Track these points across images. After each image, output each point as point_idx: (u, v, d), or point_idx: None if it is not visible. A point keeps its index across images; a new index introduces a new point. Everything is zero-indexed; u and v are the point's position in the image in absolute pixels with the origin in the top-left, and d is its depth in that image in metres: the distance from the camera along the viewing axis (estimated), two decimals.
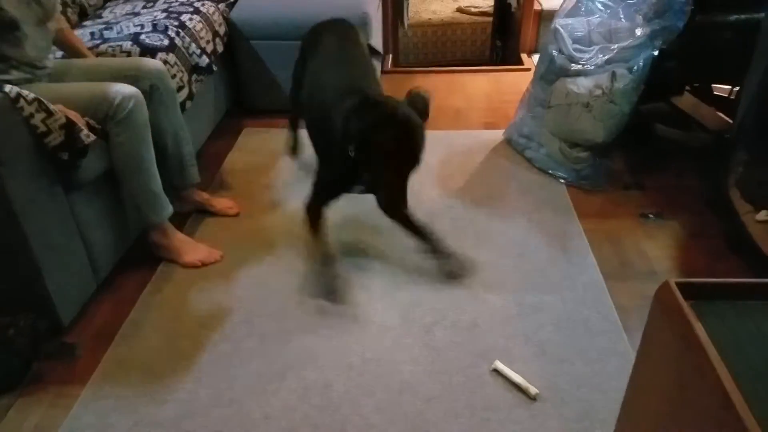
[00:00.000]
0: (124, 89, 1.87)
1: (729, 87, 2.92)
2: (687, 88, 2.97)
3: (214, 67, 2.65)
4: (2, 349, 1.66)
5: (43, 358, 1.75)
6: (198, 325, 1.90)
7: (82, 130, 1.71)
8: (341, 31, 2.35)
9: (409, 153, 1.76)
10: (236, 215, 2.42)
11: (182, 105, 2.30)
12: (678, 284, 0.78)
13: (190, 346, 1.82)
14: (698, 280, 0.79)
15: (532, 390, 1.63)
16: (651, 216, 2.38)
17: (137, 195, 1.98)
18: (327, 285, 1.87)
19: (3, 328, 1.67)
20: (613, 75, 2.41)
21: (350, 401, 1.63)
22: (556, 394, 1.63)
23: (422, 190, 2.54)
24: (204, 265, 2.13)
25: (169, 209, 2.07)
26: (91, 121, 1.82)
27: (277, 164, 2.78)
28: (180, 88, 2.32)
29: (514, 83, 3.63)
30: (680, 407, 0.75)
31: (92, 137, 1.75)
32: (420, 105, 1.83)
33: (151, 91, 2.03)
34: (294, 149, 2.74)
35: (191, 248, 2.15)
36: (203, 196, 2.40)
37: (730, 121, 2.67)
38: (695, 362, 0.70)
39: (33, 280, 1.72)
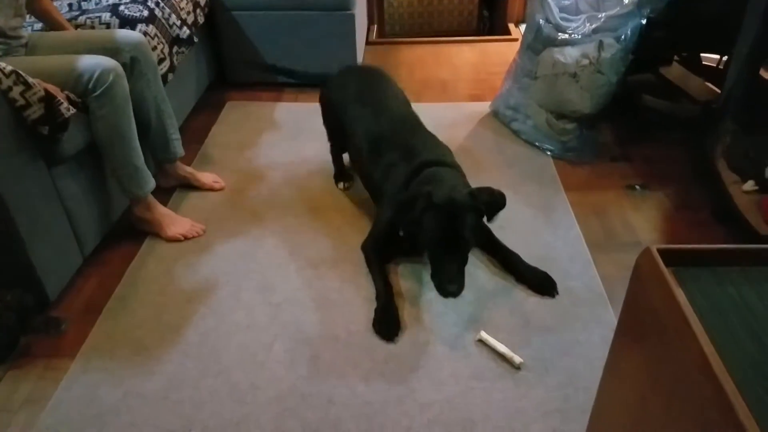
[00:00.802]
0: (103, 62, 1.83)
1: (717, 57, 2.91)
2: (675, 58, 2.96)
3: (195, 39, 2.61)
4: None
5: (31, 333, 1.74)
6: (184, 298, 1.89)
7: (61, 103, 1.68)
8: (375, 79, 2.34)
9: (455, 238, 1.73)
10: (221, 189, 2.40)
11: (164, 78, 2.27)
12: (659, 250, 0.78)
13: (177, 319, 1.82)
14: (679, 246, 0.79)
15: (517, 359, 1.64)
16: (637, 187, 2.39)
17: (119, 169, 1.95)
18: (384, 321, 1.78)
19: None
20: (601, 44, 2.39)
21: (337, 372, 1.64)
22: (540, 363, 1.65)
23: None
24: (186, 238, 2.11)
25: (152, 183, 2.05)
26: (71, 95, 1.79)
27: (262, 138, 2.75)
28: (161, 61, 2.28)
29: (500, 54, 3.61)
30: (660, 372, 0.75)
31: (72, 110, 1.72)
32: (484, 197, 1.79)
33: (132, 64, 2.00)
34: (342, 175, 2.46)
35: (174, 222, 2.13)
36: (187, 170, 2.37)
37: (718, 91, 2.67)
38: (675, 328, 0.70)
39: (18, 256, 1.70)
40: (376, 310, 1.81)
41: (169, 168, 2.31)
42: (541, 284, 1.90)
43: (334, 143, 2.41)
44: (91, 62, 1.82)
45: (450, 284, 1.71)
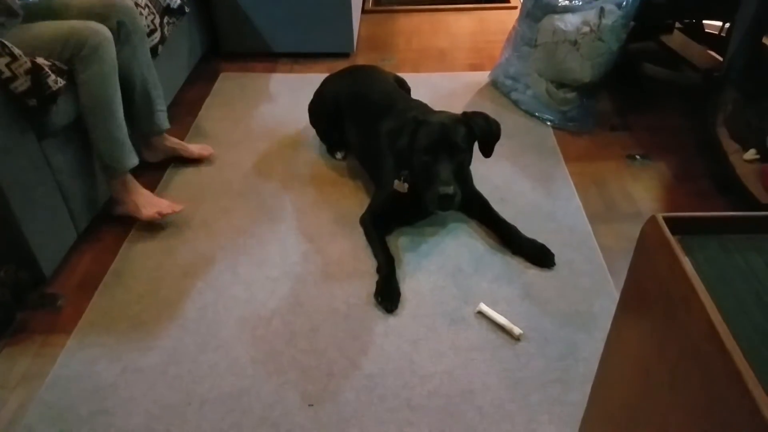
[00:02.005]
0: (90, 25, 1.79)
1: (719, 24, 2.87)
2: (677, 25, 2.91)
3: (187, 9, 2.55)
4: None
5: (27, 309, 1.73)
6: (181, 273, 1.88)
7: (49, 75, 1.65)
8: (367, 74, 2.36)
9: (447, 146, 1.77)
10: (210, 155, 2.37)
11: (154, 49, 2.22)
12: (665, 219, 0.76)
13: (174, 294, 1.80)
14: (685, 214, 0.77)
15: (516, 330, 1.63)
16: (638, 157, 2.36)
17: (100, 140, 1.89)
18: (386, 291, 1.76)
19: None
20: (602, 11, 2.35)
21: (336, 345, 1.63)
22: (540, 334, 1.65)
23: None
24: (162, 216, 1.99)
25: (133, 160, 1.97)
26: (58, 63, 1.75)
27: (257, 110, 2.71)
28: (152, 32, 2.23)
29: (499, 22, 3.55)
30: (666, 341, 0.74)
31: (61, 83, 1.69)
32: (477, 120, 1.84)
33: (119, 29, 1.96)
34: (337, 145, 2.41)
35: (150, 202, 2.02)
36: (175, 141, 2.32)
37: (720, 59, 2.63)
38: (681, 295, 0.69)
39: (12, 232, 1.68)
40: (378, 282, 1.79)
41: (156, 141, 2.26)
42: (538, 256, 1.88)
43: (327, 140, 2.43)
44: (78, 26, 1.78)
45: (445, 185, 1.74)
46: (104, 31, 1.81)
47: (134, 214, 2.01)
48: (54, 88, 1.66)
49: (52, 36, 1.76)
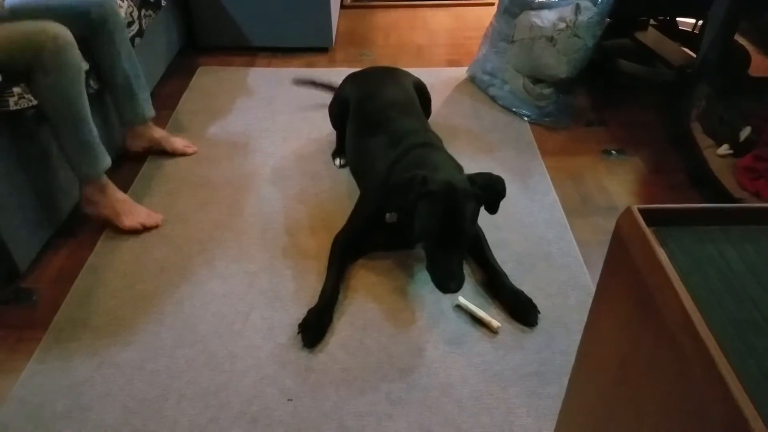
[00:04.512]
0: (48, 29, 1.68)
1: (693, 21, 2.91)
2: (651, 22, 2.96)
3: (163, 2, 2.52)
4: None
5: (1, 304, 1.71)
6: (158, 268, 1.86)
7: (12, 93, 1.62)
8: (382, 77, 2.23)
9: (454, 230, 1.60)
10: (194, 153, 2.35)
11: (131, 42, 2.19)
12: (640, 210, 0.78)
13: (151, 288, 1.79)
14: (660, 206, 0.79)
15: (495, 324, 1.65)
16: (613, 152, 2.39)
17: (68, 145, 1.81)
18: (311, 324, 1.65)
19: None
20: (578, 7, 2.37)
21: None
22: (518, 327, 1.66)
23: None
24: (145, 228, 1.97)
25: (106, 161, 1.90)
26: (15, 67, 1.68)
27: (235, 104, 2.69)
28: (129, 24, 2.20)
29: (476, 18, 3.57)
30: (641, 331, 0.75)
31: (23, 104, 1.65)
32: (483, 183, 1.66)
33: (101, 22, 1.93)
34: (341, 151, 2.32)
35: (132, 210, 1.97)
36: (161, 133, 2.30)
37: (694, 55, 2.67)
38: (656, 285, 0.70)
39: None
40: (310, 311, 1.67)
41: (140, 130, 2.23)
42: (520, 310, 1.70)
43: (337, 142, 2.34)
44: (35, 29, 1.68)
45: (451, 281, 1.59)
46: (63, 33, 1.70)
47: (113, 221, 1.95)
48: (11, 109, 1.63)
49: (7, 41, 1.67)
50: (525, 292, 1.73)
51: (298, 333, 1.64)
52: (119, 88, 2.08)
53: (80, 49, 1.77)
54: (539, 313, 1.70)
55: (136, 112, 2.16)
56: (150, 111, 2.21)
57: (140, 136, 2.25)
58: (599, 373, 0.92)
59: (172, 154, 2.33)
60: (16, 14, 1.85)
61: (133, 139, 2.25)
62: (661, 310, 0.69)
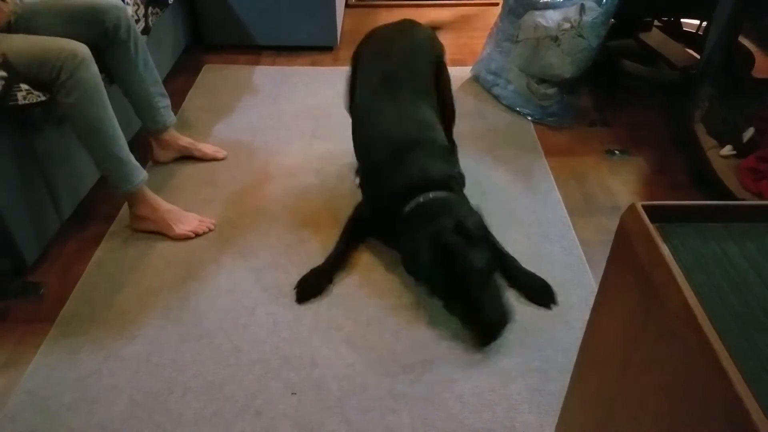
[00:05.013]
0: (66, 47, 1.69)
1: (697, 23, 2.92)
2: (655, 23, 2.96)
3: (170, 0, 2.53)
4: None
5: (8, 298, 1.72)
6: (164, 263, 1.87)
7: (20, 89, 1.62)
8: (404, 39, 2.07)
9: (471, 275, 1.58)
10: (224, 159, 2.33)
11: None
12: (644, 207, 0.79)
13: (157, 283, 1.80)
14: (664, 203, 0.80)
15: None
16: (616, 152, 2.40)
17: (102, 162, 1.82)
18: (309, 282, 1.74)
19: None
20: (582, 8, 2.38)
21: (320, 335, 1.65)
22: (520, 325, 1.67)
23: None
24: (197, 235, 1.96)
25: (142, 175, 1.89)
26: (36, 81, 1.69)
27: (240, 102, 2.71)
28: (135, 22, 2.21)
29: (480, 17, 3.58)
30: (644, 328, 0.76)
31: (31, 100, 1.65)
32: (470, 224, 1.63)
33: (113, 31, 1.94)
34: None
35: (181, 218, 1.97)
36: (186, 140, 2.29)
37: (697, 56, 2.68)
38: (660, 281, 0.71)
39: None
40: (311, 269, 1.76)
41: (166, 139, 2.22)
42: (539, 293, 1.74)
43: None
44: (54, 47, 1.69)
45: (496, 325, 1.59)
46: (81, 50, 1.70)
47: (165, 233, 1.95)
48: (21, 103, 1.62)
49: (27, 55, 1.67)
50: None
51: (294, 288, 1.70)
52: (137, 97, 2.07)
53: (95, 56, 1.76)
54: (555, 292, 1.74)
55: (157, 120, 2.15)
56: (171, 118, 2.20)
57: (168, 146, 2.24)
58: (601, 368, 0.93)
59: (204, 160, 2.31)
60: (36, 15, 1.86)
61: (160, 149, 2.23)
62: (664, 306, 0.70)
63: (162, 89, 2.17)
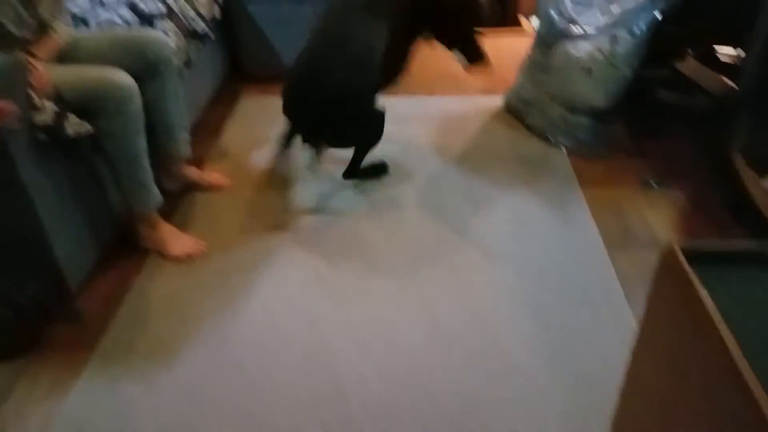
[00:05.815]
0: (113, 80, 1.77)
1: (733, 51, 2.88)
2: (689, 52, 2.94)
3: (212, 36, 2.60)
4: (11, 314, 1.67)
5: (51, 324, 1.76)
6: (201, 292, 1.90)
7: (68, 120, 1.69)
8: None
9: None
10: (226, 186, 2.39)
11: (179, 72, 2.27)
12: (682, 249, 0.78)
13: (195, 312, 1.83)
14: (703, 243, 0.79)
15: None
16: (653, 183, 2.37)
17: (125, 183, 1.92)
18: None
19: (12, 294, 1.68)
20: (614, 38, 2.38)
21: (352, 368, 1.65)
22: (556, 363, 1.64)
23: (420, 157, 2.53)
24: (190, 258, 2.04)
25: (158, 200, 2.00)
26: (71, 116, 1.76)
27: (276, 132, 2.74)
28: (177, 55, 2.27)
29: (512, 46, 3.58)
30: (684, 374, 0.75)
31: (77, 132, 1.71)
32: None
33: (154, 63, 1.99)
34: None
35: (178, 239, 2.07)
36: (194, 171, 2.35)
37: (734, 85, 2.64)
38: (699, 328, 0.70)
39: (41, 247, 1.71)
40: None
41: (175, 170, 2.28)
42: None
43: None
44: (102, 79, 1.77)
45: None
46: (128, 83, 1.79)
47: (162, 250, 2.05)
48: (71, 134, 1.70)
49: (77, 87, 1.75)
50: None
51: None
52: (160, 127, 2.11)
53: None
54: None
55: (172, 151, 2.19)
56: (187, 151, 2.25)
57: (176, 176, 2.29)
58: (643, 413, 0.91)
59: (208, 188, 2.37)
60: (84, 47, 1.95)
61: (169, 178, 2.28)
62: (705, 353, 0.69)
63: (185, 123, 2.22)
